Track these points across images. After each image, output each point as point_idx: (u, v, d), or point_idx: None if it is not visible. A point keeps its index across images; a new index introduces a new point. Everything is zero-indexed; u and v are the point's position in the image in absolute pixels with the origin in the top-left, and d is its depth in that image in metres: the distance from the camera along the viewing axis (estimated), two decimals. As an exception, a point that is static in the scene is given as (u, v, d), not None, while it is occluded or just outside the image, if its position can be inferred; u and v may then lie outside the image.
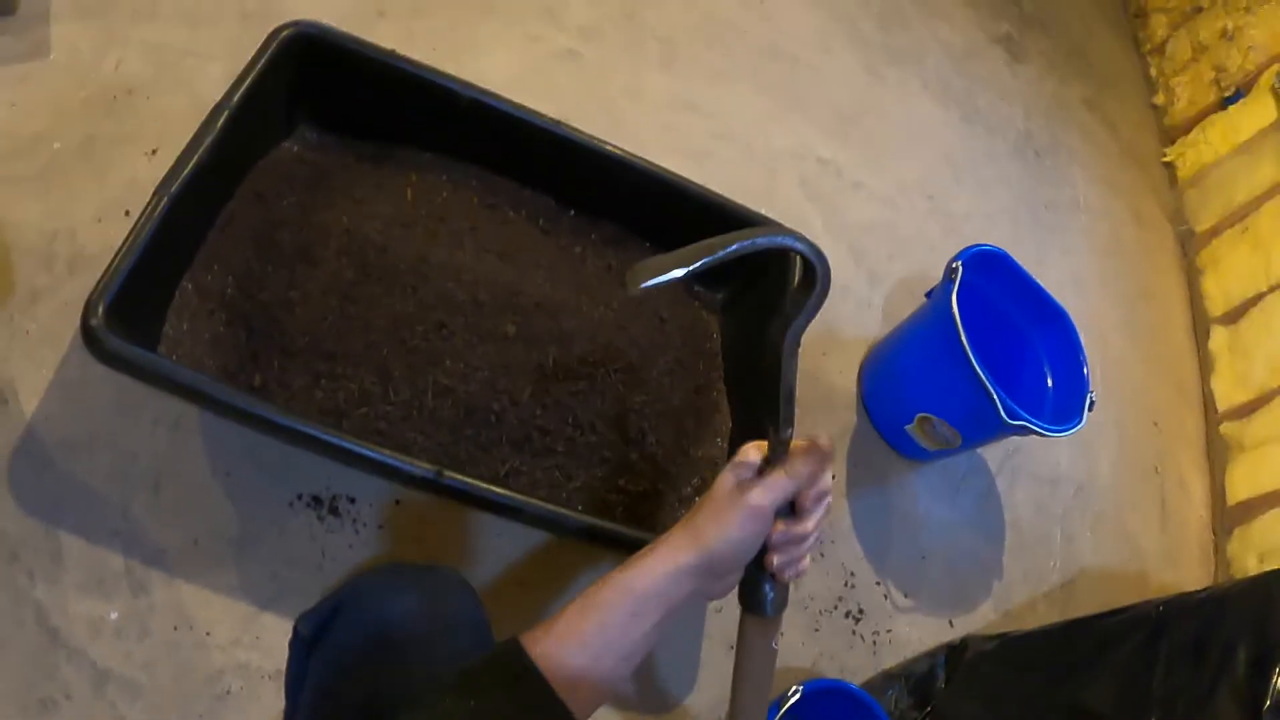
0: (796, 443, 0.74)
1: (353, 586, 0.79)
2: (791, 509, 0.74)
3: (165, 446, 1.05)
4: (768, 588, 0.76)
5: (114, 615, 0.96)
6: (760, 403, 1.10)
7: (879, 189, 1.75)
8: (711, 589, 0.74)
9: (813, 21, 1.93)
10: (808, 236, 0.64)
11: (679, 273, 0.61)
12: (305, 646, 0.79)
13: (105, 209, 1.18)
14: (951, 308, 1.23)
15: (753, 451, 0.75)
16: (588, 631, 0.68)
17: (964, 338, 1.21)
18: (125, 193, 1.19)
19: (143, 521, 1.01)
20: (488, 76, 1.21)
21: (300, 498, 1.06)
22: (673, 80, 1.67)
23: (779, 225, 0.64)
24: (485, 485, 0.90)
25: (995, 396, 1.20)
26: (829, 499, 0.76)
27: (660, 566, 0.70)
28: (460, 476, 0.90)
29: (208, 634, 0.98)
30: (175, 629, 0.97)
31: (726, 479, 0.73)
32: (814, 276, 0.65)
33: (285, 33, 1.09)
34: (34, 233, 1.14)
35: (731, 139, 1.64)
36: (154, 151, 1.23)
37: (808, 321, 0.69)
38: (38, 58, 1.28)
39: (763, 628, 0.77)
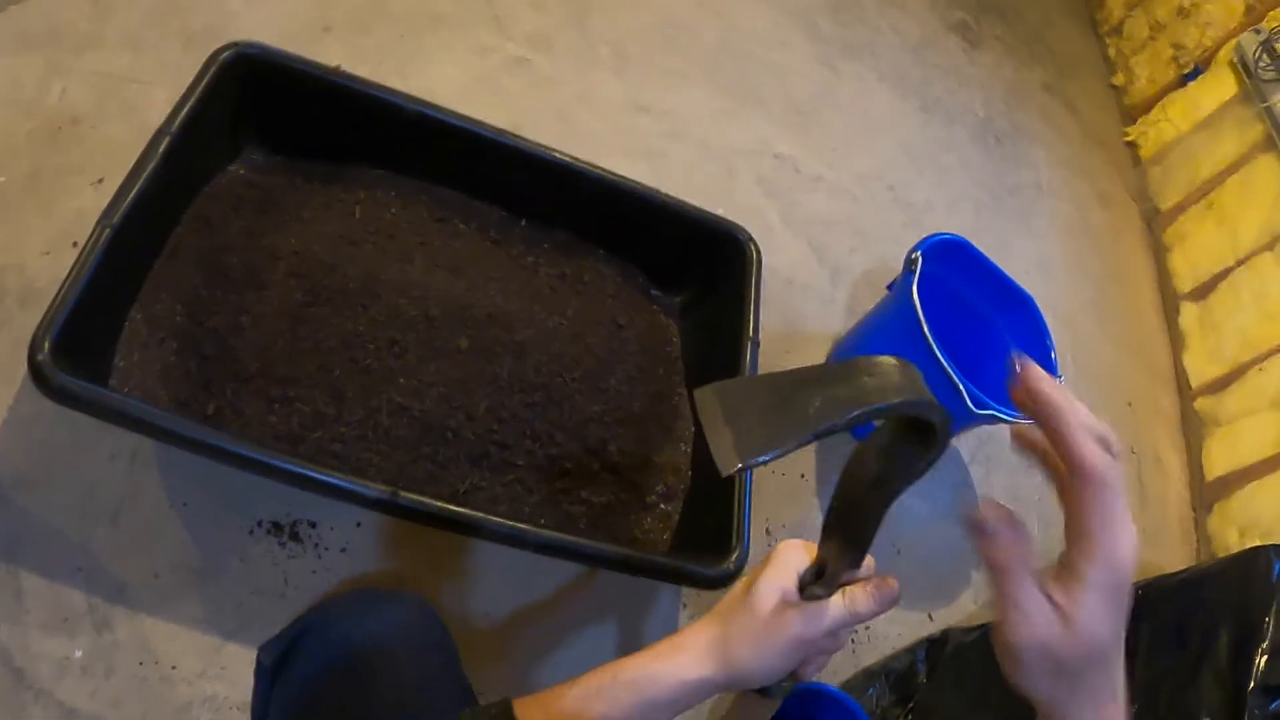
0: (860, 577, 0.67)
1: (315, 613, 0.78)
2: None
3: (123, 479, 1.04)
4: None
5: (79, 653, 0.95)
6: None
7: (838, 182, 1.75)
8: (734, 689, 0.69)
9: (767, 17, 1.92)
10: (911, 394, 0.51)
11: (789, 446, 0.48)
12: (269, 675, 0.78)
13: (53, 241, 1.16)
14: (912, 298, 1.23)
15: (795, 555, 0.68)
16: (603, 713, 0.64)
17: (926, 328, 1.21)
18: (72, 224, 1.17)
19: (103, 556, 0.99)
20: (437, 89, 1.20)
21: (260, 524, 1.05)
22: (625, 83, 1.66)
23: (913, 389, 0.49)
24: (441, 504, 0.89)
25: (961, 386, 1.20)
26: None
27: (680, 677, 0.65)
28: (416, 496, 0.88)
29: (173, 668, 0.96)
30: (141, 664, 0.96)
31: (769, 593, 0.66)
32: (932, 439, 0.54)
33: (225, 54, 1.07)
34: (-19, 269, 1.13)
35: (687, 139, 1.64)
36: (100, 181, 1.22)
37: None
38: (-19, 92, 1.26)
39: (768, 705, 0.75)
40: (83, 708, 0.92)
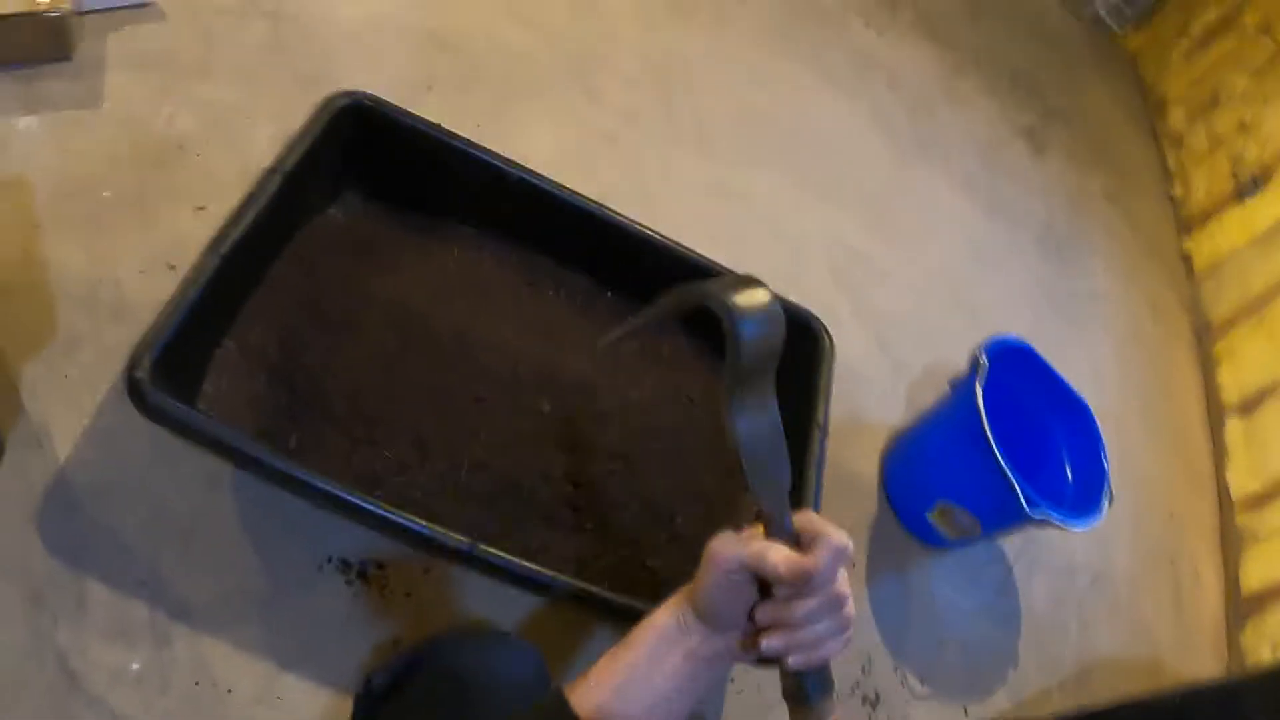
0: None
1: (427, 646, 0.80)
2: (767, 591, 0.70)
3: (198, 500, 1.05)
4: (801, 675, 0.71)
5: (135, 665, 0.95)
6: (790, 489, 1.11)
7: (905, 278, 1.77)
8: (719, 644, 0.73)
9: (845, 111, 1.97)
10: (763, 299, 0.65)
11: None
12: (376, 700, 0.80)
13: (150, 260, 1.19)
14: (975, 397, 1.25)
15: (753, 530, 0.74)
16: (619, 673, 0.70)
17: (987, 427, 1.22)
18: (171, 246, 1.20)
19: (170, 574, 1.00)
20: (529, 154, 1.23)
21: (330, 560, 1.06)
22: (707, 165, 1.70)
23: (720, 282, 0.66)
24: (519, 561, 0.90)
25: (1017, 488, 1.21)
26: (839, 592, 0.70)
27: (666, 612, 0.72)
28: (494, 551, 0.90)
29: (229, 691, 0.97)
30: (197, 684, 0.96)
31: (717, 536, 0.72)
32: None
33: (340, 102, 1.12)
34: (78, 278, 1.16)
35: (763, 223, 1.67)
36: (202, 208, 1.25)
37: (738, 384, 0.67)
38: (91, 105, 1.30)
39: (804, 716, 0.73)
40: (134, 718, 0.93)
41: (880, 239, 1.80)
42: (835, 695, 0.73)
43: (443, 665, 0.78)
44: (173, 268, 1.19)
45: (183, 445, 0.95)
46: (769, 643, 0.69)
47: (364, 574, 1.06)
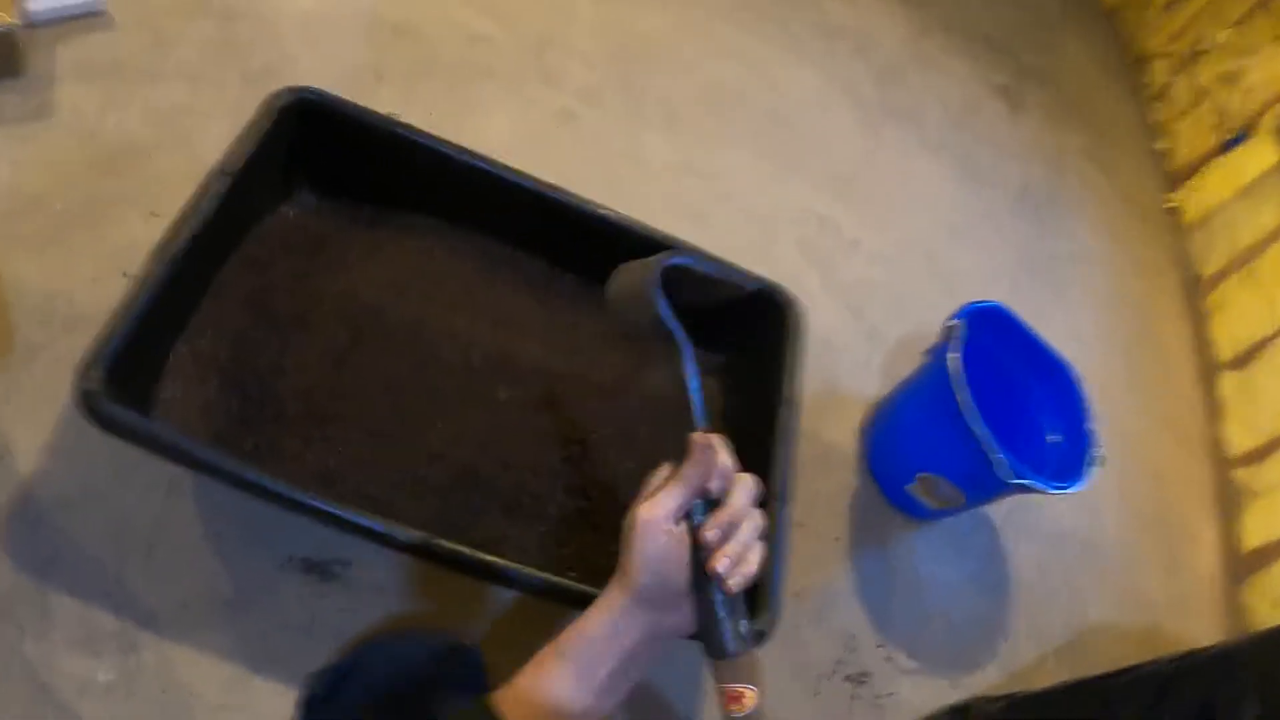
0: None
1: (363, 648, 0.80)
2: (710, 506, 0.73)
3: (159, 508, 1.05)
4: (720, 624, 0.72)
5: (103, 675, 0.95)
6: (758, 465, 1.09)
7: (878, 247, 1.75)
8: (668, 623, 0.73)
9: (812, 83, 1.94)
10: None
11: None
12: (317, 704, 0.79)
13: (103, 269, 1.18)
14: (950, 366, 1.23)
15: (655, 479, 0.77)
16: (554, 680, 0.70)
17: (962, 396, 1.21)
18: (123, 254, 1.19)
19: (135, 582, 1.00)
20: (487, 139, 1.22)
21: (292, 560, 1.05)
22: (672, 143, 1.68)
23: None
24: (474, 553, 0.89)
25: (996, 456, 1.19)
26: (744, 481, 0.76)
27: (603, 610, 0.72)
28: (449, 543, 0.88)
29: (196, 696, 0.97)
30: (164, 691, 0.96)
31: (633, 508, 0.74)
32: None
33: (283, 99, 1.10)
34: (33, 291, 1.15)
35: (730, 200, 1.65)
36: (153, 213, 1.24)
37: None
38: (42, 118, 1.29)
39: (732, 672, 0.73)
40: None
41: (851, 209, 1.77)
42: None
43: (380, 667, 0.77)
44: (126, 275, 1.18)
45: (142, 453, 0.94)
46: (722, 564, 0.71)
47: (328, 572, 1.05)
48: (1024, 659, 1.44)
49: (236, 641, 1.00)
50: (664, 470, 0.77)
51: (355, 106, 1.14)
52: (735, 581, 0.72)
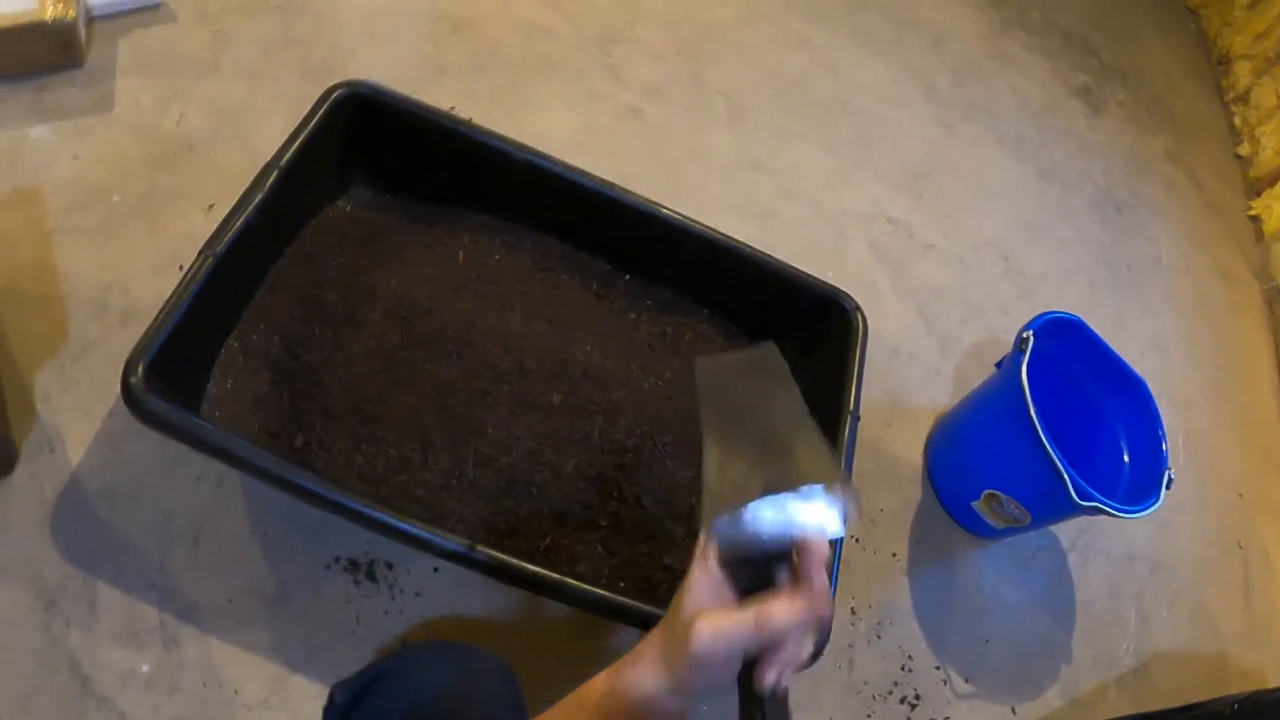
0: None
1: (393, 659, 0.78)
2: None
3: (206, 503, 1.05)
4: (762, 713, 0.62)
5: (145, 668, 0.95)
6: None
7: (951, 249, 1.69)
8: (702, 707, 0.67)
9: (884, 74, 1.89)
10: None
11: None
12: (339, 714, 0.77)
13: (160, 263, 1.19)
14: (1021, 380, 1.17)
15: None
16: None
17: (1034, 414, 1.15)
18: (180, 247, 1.20)
19: (179, 576, 1.00)
20: (547, 135, 1.19)
21: (338, 561, 1.04)
22: (738, 139, 1.64)
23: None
24: (520, 563, 0.86)
25: (1066, 477, 1.14)
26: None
27: (640, 691, 0.62)
28: (493, 552, 0.86)
29: (236, 693, 0.97)
30: (205, 685, 0.96)
31: (690, 593, 0.62)
32: None
33: (337, 93, 1.09)
34: (89, 284, 1.16)
35: (799, 198, 1.61)
36: (210, 207, 1.24)
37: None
38: (101, 111, 1.30)
39: None
40: None
41: (923, 210, 1.72)
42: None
43: (407, 681, 0.75)
44: (182, 268, 1.18)
45: (188, 449, 0.93)
46: (770, 672, 0.59)
47: (372, 574, 1.04)
48: (1085, 686, 1.38)
49: (279, 639, 1.00)
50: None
51: (411, 100, 1.13)
52: (785, 684, 0.64)
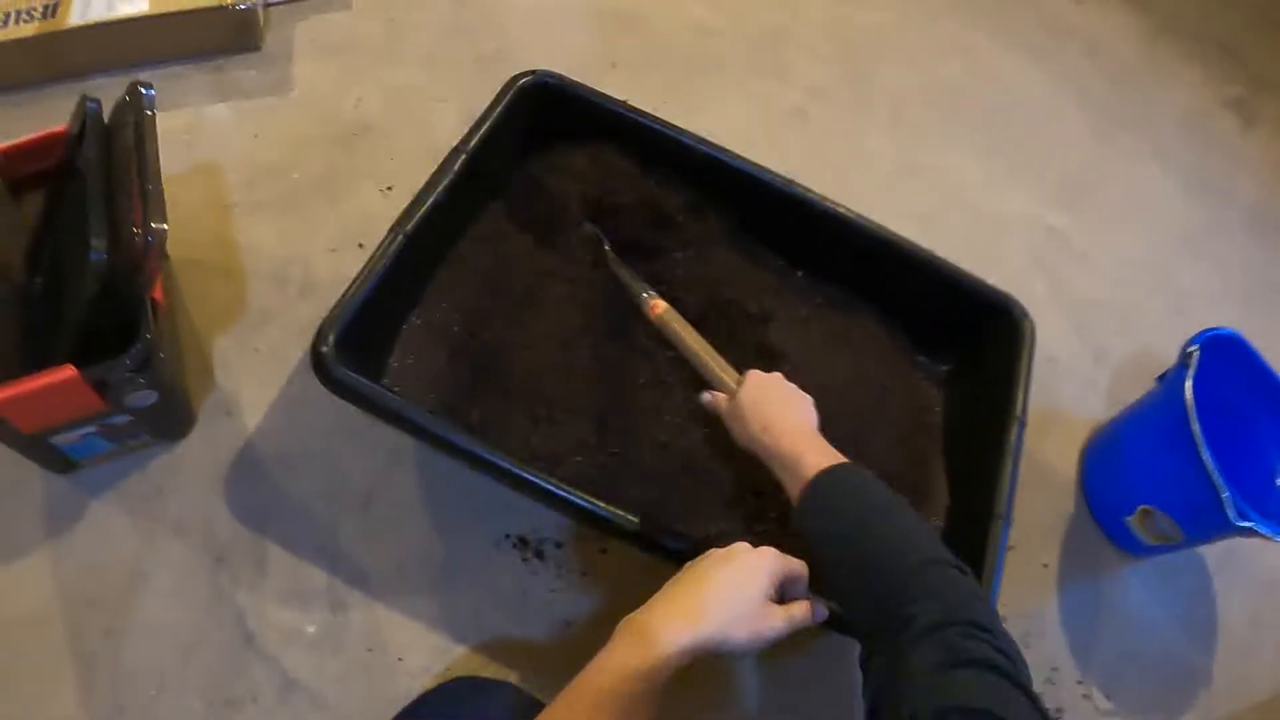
0: None
1: (436, 692, 0.79)
2: None
3: (378, 474, 1.08)
4: None
5: (310, 628, 0.98)
6: (979, 482, 1.05)
7: (1106, 261, 1.65)
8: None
9: (1041, 83, 1.86)
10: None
11: None
12: None
13: (339, 239, 1.23)
14: (1185, 396, 1.15)
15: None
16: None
17: (1197, 430, 1.13)
18: (359, 225, 1.24)
19: (349, 542, 1.03)
20: (714, 132, 1.20)
21: (508, 537, 1.07)
22: (897, 141, 1.64)
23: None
24: (693, 544, 0.88)
25: (1225, 496, 1.11)
26: None
27: (653, 652, 0.68)
28: (667, 532, 0.88)
29: (400, 659, 0.99)
30: (369, 650, 0.98)
31: (759, 583, 0.74)
32: None
33: (524, 80, 1.12)
34: (269, 257, 1.21)
35: (957, 202, 1.59)
36: (389, 188, 1.28)
37: None
38: (280, 93, 1.36)
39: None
40: (305, 680, 0.96)
41: (1079, 218, 1.68)
42: None
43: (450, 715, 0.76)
44: (362, 246, 1.23)
45: (366, 418, 0.97)
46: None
47: (540, 552, 1.06)
48: (1221, 712, 1.34)
49: (445, 610, 1.02)
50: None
51: (593, 91, 1.15)
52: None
